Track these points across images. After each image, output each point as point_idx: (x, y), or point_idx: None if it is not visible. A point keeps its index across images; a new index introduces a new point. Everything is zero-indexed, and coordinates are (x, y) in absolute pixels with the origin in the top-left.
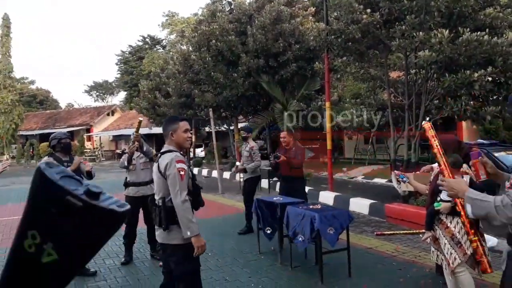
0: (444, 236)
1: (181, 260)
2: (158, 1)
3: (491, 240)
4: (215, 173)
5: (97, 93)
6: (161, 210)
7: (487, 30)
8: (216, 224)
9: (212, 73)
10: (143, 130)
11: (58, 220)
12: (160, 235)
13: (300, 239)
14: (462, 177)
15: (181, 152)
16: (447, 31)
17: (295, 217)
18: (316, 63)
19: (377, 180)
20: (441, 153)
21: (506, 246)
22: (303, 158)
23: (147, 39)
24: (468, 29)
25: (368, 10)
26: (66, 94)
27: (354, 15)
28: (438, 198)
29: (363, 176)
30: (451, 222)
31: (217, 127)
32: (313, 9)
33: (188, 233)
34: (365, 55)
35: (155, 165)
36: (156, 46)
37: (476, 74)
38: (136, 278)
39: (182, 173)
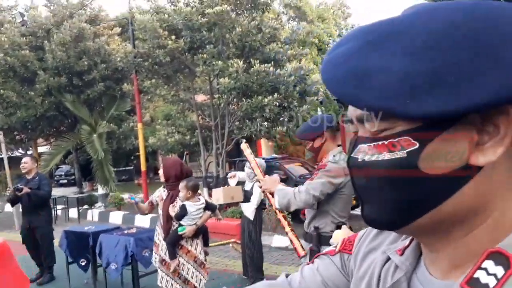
0: (187, 261)
1: None
2: None
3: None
4: (8, 207)
5: None
6: None
7: (272, 62)
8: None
9: (2, 90)
10: None
11: None
12: None
13: (113, 267)
14: (199, 200)
15: None
16: (242, 61)
17: (109, 245)
18: (125, 84)
19: None
20: (255, 166)
21: (306, 242)
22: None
23: None
24: (258, 61)
25: (173, 37)
26: None
27: (159, 40)
28: (176, 224)
29: None
30: (191, 245)
31: (10, 153)
32: (119, 29)
33: None
34: (173, 79)
35: None
36: None
37: (266, 100)
38: None
39: None
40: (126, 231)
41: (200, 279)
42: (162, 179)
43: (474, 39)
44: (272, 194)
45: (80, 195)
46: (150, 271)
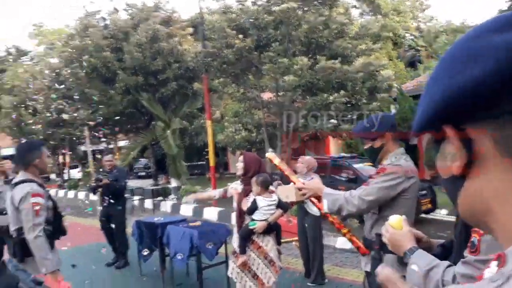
0: (258, 257)
1: None
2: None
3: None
4: (93, 196)
5: None
6: (15, 242)
7: (339, 58)
8: (93, 250)
9: (87, 89)
10: (8, 151)
11: None
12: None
13: (179, 257)
14: (272, 196)
15: (40, 182)
16: (307, 58)
17: (176, 236)
18: (196, 83)
19: None
20: (289, 173)
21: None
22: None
23: (11, 50)
24: (324, 57)
25: (241, 36)
26: None
27: (227, 39)
28: (249, 219)
29: None
30: (262, 241)
31: (95, 146)
32: (190, 29)
33: (43, 270)
34: (240, 77)
35: (8, 194)
36: (22, 58)
37: (332, 97)
38: None
39: (37, 208)
40: (191, 224)
41: (270, 277)
42: (239, 172)
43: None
44: (317, 198)
45: (155, 187)
46: (214, 263)
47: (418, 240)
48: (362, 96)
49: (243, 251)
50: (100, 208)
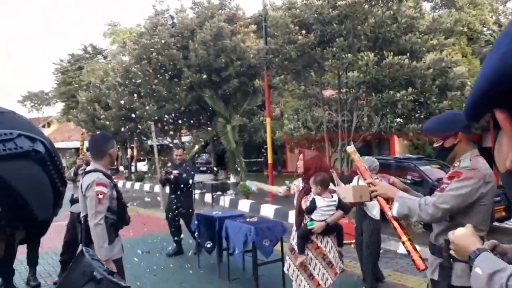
0: (315, 257)
1: None
2: (103, 9)
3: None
4: (157, 188)
5: (32, 104)
6: (82, 228)
7: (408, 54)
8: (155, 241)
9: (154, 86)
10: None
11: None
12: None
13: (237, 251)
14: (332, 197)
15: (107, 173)
16: (373, 54)
17: (233, 230)
18: (257, 80)
19: None
20: (364, 170)
21: (433, 256)
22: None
23: (88, 48)
24: (391, 53)
25: (303, 31)
26: None
27: (290, 35)
28: (308, 218)
29: None
30: (321, 242)
31: (160, 141)
32: (254, 26)
33: (103, 252)
34: (302, 74)
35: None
36: (97, 56)
37: (399, 94)
38: None
39: (100, 196)
40: (248, 219)
41: (327, 278)
42: (299, 170)
43: None
44: (387, 200)
45: (215, 182)
46: (270, 260)
47: (492, 249)
48: (432, 94)
49: (301, 250)
50: (162, 200)
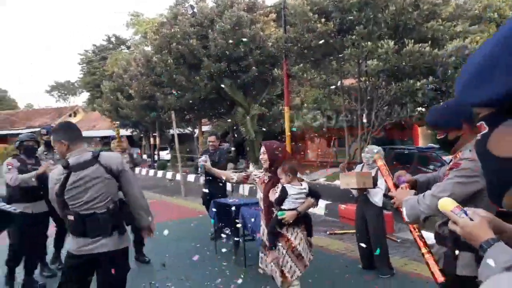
0: (285, 251)
1: (125, 263)
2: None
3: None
4: (179, 176)
5: (59, 94)
6: (106, 216)
7: (429, 42)
8: (175, 227)
9: (174, 75)
10: (106, 133)
11: None
12: (107, 243)
13: (258, 236)
14: (301, 185)
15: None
16: (393, 42)
17: (249, 217)
18: (275, 69)
19: (338, 182)
20: (387, 175)
21: (436, 245)
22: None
23: (112, 39)
24: (412, 41)
25: (323, 19)
26: (26, 93)
27: (309, 23)
28: (277, 209)
29: (324, 179)
30: (291, 234)
31: (181, 130)
32: (274, 15)
33: (150, 219)
34: (321, 62)
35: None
36: (121, 46)
37: (419, 83)
38: None
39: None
40: None
41: (295, 271)
42: (265, 165)
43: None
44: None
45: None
46: None
47: (500, 233)
48: (454, 83)
49: (273, 245)
50: (183, 188)
